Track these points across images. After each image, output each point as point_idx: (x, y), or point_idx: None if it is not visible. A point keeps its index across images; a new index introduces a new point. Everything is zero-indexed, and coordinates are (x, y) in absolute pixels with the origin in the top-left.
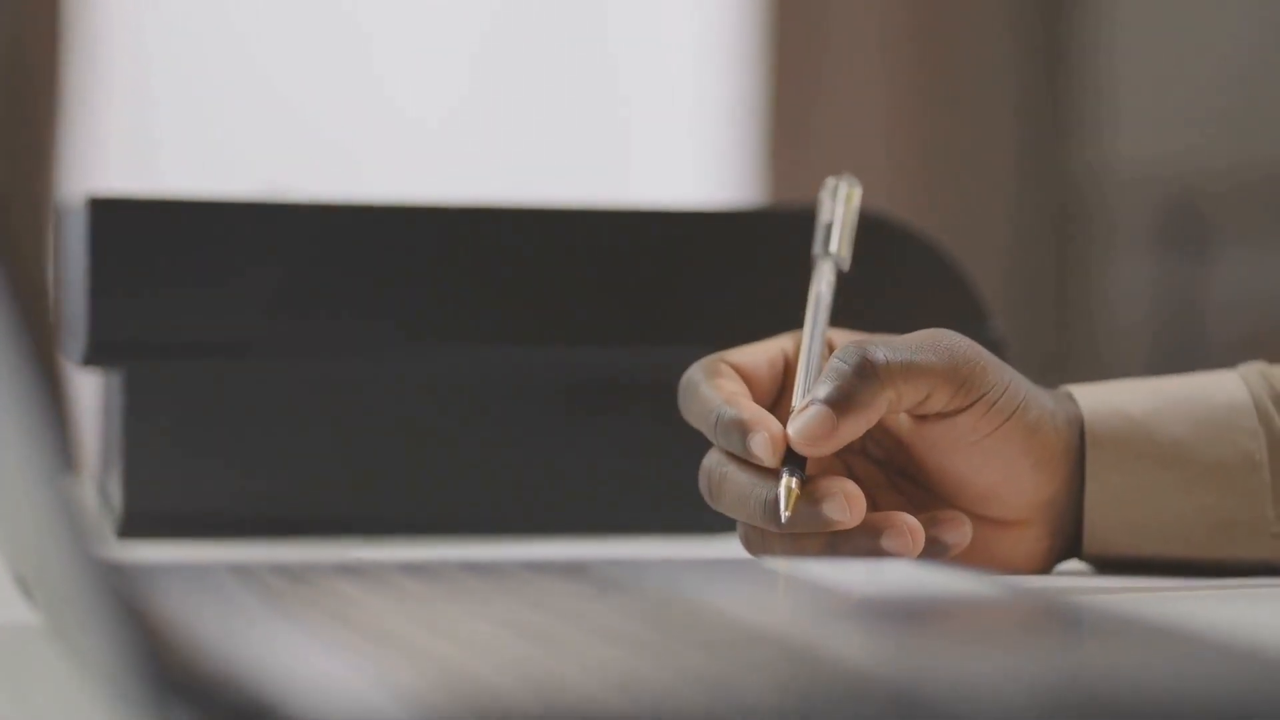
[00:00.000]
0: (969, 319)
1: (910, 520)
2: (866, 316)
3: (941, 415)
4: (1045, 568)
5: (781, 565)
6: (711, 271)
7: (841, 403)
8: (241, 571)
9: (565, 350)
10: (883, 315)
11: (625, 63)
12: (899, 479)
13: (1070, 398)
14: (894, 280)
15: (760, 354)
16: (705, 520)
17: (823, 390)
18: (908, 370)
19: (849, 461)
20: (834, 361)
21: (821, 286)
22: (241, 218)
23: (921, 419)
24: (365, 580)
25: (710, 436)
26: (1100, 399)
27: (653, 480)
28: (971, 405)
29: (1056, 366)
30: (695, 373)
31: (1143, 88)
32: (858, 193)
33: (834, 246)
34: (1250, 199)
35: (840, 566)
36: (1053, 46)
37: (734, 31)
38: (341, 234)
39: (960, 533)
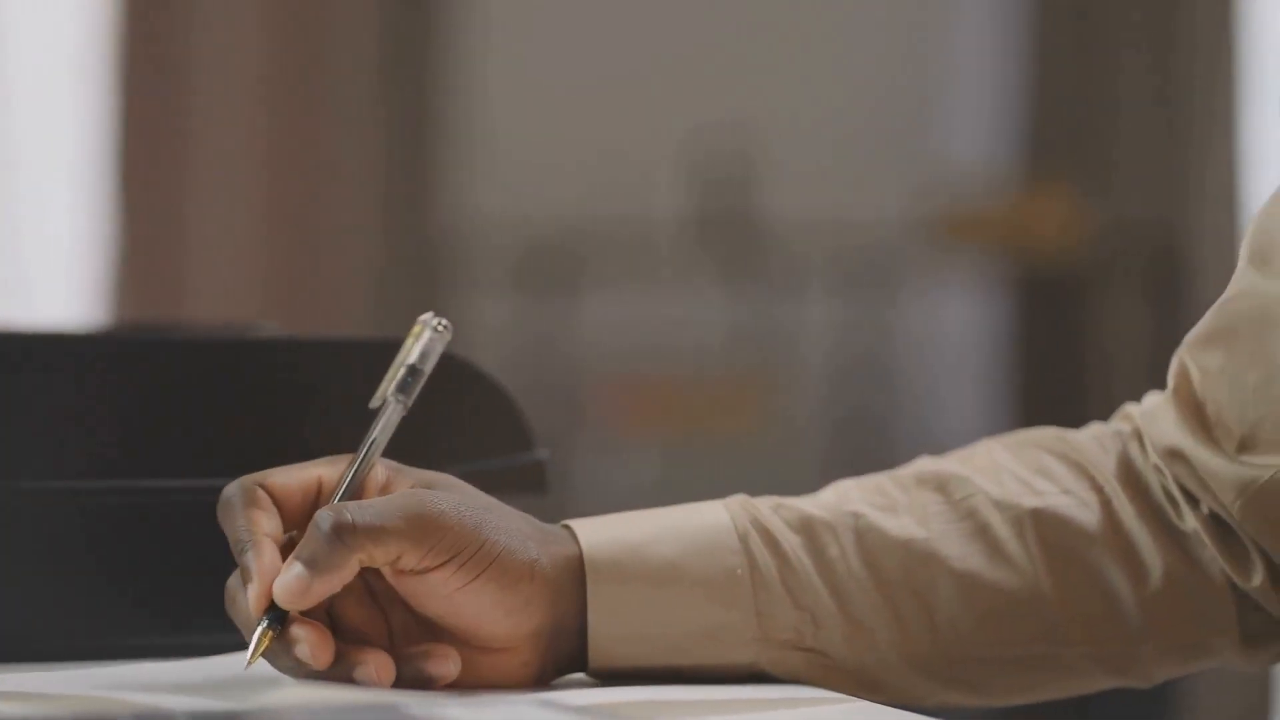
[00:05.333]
0: (515, 446)
1: (380, 658)
2: (416, 444)
3: (415, 571)
4: (538, 684)
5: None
6: (256, 402)
7: (314, 564)
8: None
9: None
10: (432, 443)
11: None
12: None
13: (570, 534)
14: (444, 408)
15: (296, 480)
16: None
17: (303, 550)
18: (377, 535)
19: (370, 581)
20: (313, 524)
21: (377, 431)
22: None
23: (399, 572)
24: None
25: (236, 559)
26: (598, 531)
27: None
28: (441, 565)
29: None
30: (233, 495)
31: (505, 140)
32: (443, 338)
33: (404, 390)
34: (613, 245)
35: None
36: (419, 100)
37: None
38: None
39: (444, 668)
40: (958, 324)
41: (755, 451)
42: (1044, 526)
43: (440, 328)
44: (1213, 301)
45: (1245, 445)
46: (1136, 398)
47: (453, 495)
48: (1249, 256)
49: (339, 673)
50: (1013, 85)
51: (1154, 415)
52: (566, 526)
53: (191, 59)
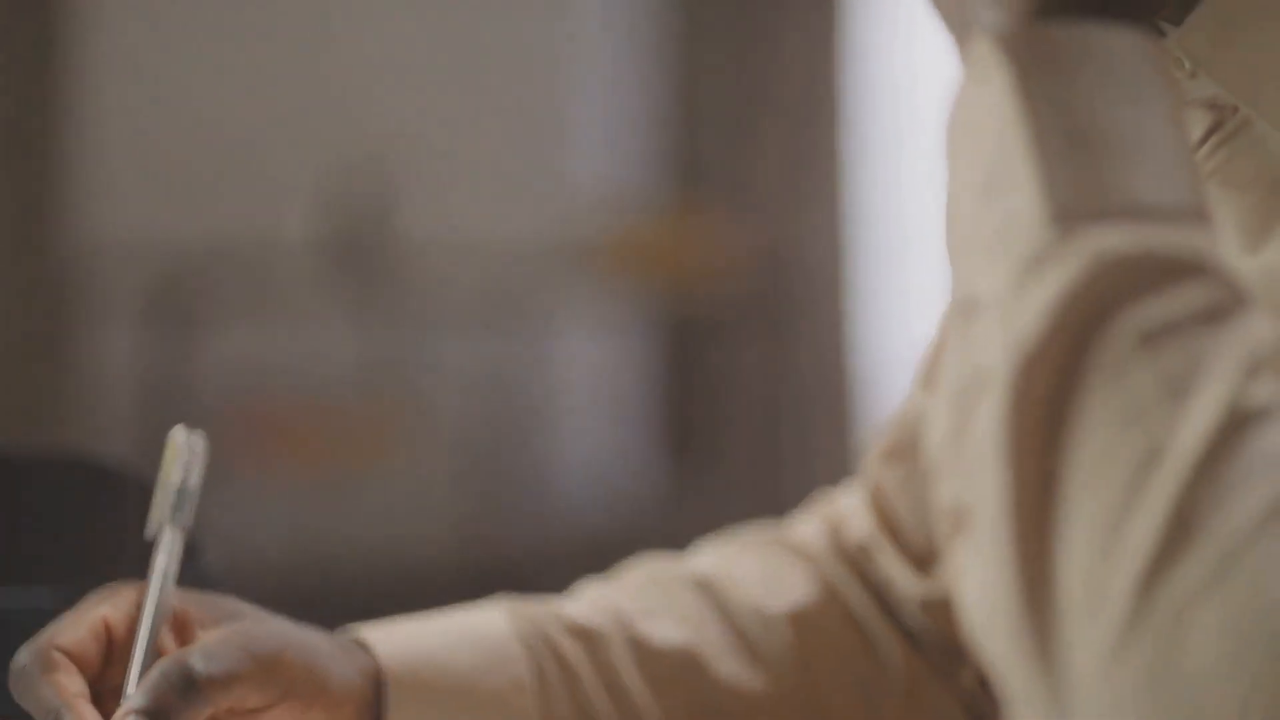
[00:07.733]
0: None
1: None
2: (43, 552)
3: (249, 710)
4: None
5: None
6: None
7: (161, 718)
8: None
9: None
10: (96, 564)
11: None
12: None
13: (363, 646)
14: (100, 525)
15: (86, 630)
16: None
17: (141, 700)
18: (227, 685)
19: None
20: (157, 673)
21: (165, 560)
22: None
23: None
24: None
25: None
26: (395, 641)
27: None
28: (274, 704)
29: (46, 432)
30: (30, 665)
31: (130, 165)
32: (202, 453)
33: (178, 513)
34: (235, 274)
35: None
36: (36, 123)
37: None
38: None
39: None
40: (597, 354)
41: (387, 487)
42: (795, 627)
43: (196, 445)
44: (824, 341)
45: (926, 558)
46: (765, 433)
47: (275, 626)
48: (918, 380)
49: None
50: (656, 112)
51: (850, 512)
52: (353, 635)
53: None
